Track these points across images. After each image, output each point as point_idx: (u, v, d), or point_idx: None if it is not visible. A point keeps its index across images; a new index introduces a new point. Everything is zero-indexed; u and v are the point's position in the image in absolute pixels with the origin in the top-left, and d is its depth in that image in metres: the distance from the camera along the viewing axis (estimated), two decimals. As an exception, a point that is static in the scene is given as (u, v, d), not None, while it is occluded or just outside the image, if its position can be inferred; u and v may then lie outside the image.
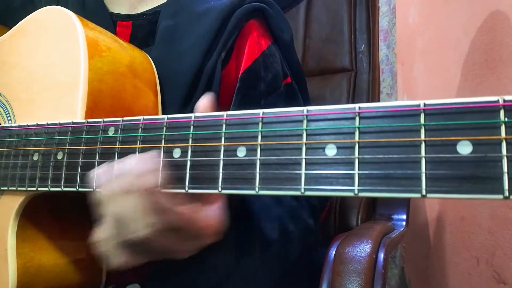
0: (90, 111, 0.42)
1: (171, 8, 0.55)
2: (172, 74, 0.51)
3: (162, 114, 0.51)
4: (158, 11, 0.56)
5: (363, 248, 0.59)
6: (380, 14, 0.95)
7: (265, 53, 0.52)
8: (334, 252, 0.60)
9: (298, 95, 0.55)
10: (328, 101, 0.79)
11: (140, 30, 0.56)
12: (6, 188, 0.44)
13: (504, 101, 0.21)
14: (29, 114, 0.47)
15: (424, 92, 1.01)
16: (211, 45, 0.50)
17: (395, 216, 0.75)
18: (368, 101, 0.77)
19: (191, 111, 0.51)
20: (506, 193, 0.20)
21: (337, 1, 0.79)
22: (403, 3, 1.10)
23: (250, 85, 0.50)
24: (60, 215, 0.47)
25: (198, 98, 0.50)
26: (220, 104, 0.51)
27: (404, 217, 0.74)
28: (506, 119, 0.21)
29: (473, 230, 0.78)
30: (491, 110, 0.21)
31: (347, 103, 0.77)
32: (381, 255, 0.59)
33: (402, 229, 0.72)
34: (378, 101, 0.79)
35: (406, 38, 1.10)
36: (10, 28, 0.53)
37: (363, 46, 0.77)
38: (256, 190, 0.28)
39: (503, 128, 0.21)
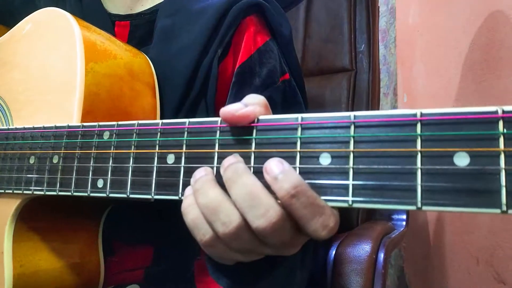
0: (87, 115, 0.42)
1: (169, 7, 0.55)
2: (170, 72, 0.51)
3: (160, 113, 0.51)
4: (156, 10, 0.56)
5: (363, 248, 0.59)
6: (378, 14, 0.94)
7: (260, 49, 0.52)
8: (334, 253, 0.60)
9: (297, 92, 0.55)
10: (328, 101, 0.79)
11: (138, 30, 0.56)
12: (2, 191, 0.44)
13: (503, 112, 0.20)
14: (27, 116, 0.47)
15: (424, 92, 1.01)
16: (208, 42, 0.50)
17: (395, 216, 0.74)
18: (368, 101, 0.76)
19: (188, 109, 0.52)
20: (504, 207, 0.20)
21: (337, 1, 0.79)
22: (403, 3, 1.10)
23: (245, 80, 0.50)
24: (57, 218, 0.47)
25: (195, 95, 0.51)
26: (218, 99, 0.51)
27: (404, 217, 0.74)
28: (505, 131, 0.20)
29: (473, 230, 0.78)
30: (489, 121, 0.21)
31: (347, 102, 0.77)
32: (381, 255, 0.59)
33: (402, 229, 0.72)
34: (378, 100, 0.79)
35: (406, 38, 1.09)
36: (11, 27, 0.53)
37: (363, 46, 0.77)
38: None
39: (501, 140, 0.20)
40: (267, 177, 0.26)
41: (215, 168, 0.29)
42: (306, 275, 0.42)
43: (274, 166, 0.26)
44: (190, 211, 0.29)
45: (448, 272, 0.88)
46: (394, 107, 1.11)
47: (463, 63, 0.80)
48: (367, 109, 0.76)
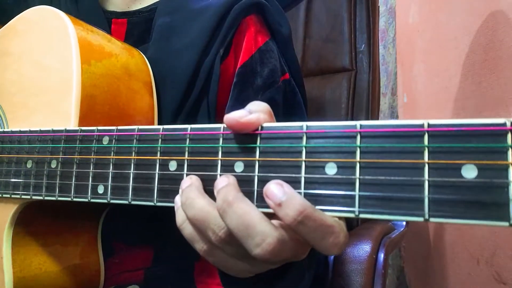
0: (84, 117, 0.41)
1: (168, 5, 0.54)
2: (170, 71, 0.50)
3: (160, 112, 0.50)
4: (154, 8, 0.55)
5: (363, 248, 0.59)
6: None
7: (261, 49, 0.52)
8: (334, 253, 0.60)
9: (296, 92, 0.55)
10: (328, 101, 0.79)
11: (136, 28, 0.56)
12: (0, 195, 0.43)
13: (512, 124, 0.20)
14: (22, 119, 0.46)
15: (424, 92, 1.01)
16: (209, 42, 0.50)
17: (395, 216, 0.74)
18: (368, 101, 0.76)
19: (190, 109, 0.51)
20: (512, 221, 0.20)
21: (337, 1, 0.78)
22: (403, 3, 1.09)
23: (247, 80, 0.50)
24: (55, 220, 0.47)
25: (196, 94, 0.50)
26: (219, 99, 0.51)
27: (404, 217, 0.74)
28: None
29: (473, 230, 0.78)
30: (497, 133, 0.20)
31: (347, 102, 0.77)
32: (381, 255, 0.59)
33: (402, 229, 0.72)
34: (378, 100, 0.78)
35: (406, 38, 1.09)
36: (3, 25, 0.52)
37: (363, 45, 0.76)
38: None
39: (510, 152, 0.20)
40: (269, 202, 0.25)
41: (218, 176, 0.29)
42: (312, 275, 0.42)
43: (275, 190, 0.25)
44: (185, 227, 0.30)
45: (448, 272, 0.88)
46: (392, 107, 1.11)
47: (463, 63, 0.80)
48: (367, 109, 0.76)
